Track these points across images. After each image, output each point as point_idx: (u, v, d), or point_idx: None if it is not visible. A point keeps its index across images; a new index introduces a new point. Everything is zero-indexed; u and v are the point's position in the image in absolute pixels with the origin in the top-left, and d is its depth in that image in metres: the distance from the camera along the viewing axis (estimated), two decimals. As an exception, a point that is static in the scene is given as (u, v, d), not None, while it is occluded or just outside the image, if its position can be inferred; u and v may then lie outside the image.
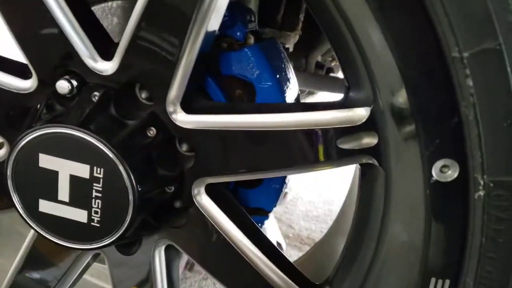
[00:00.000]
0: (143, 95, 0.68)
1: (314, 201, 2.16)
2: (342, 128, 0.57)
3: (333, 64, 1.81)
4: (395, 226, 0.60)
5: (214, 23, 0.63)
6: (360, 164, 0.62)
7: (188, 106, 0.67)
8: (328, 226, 2.07)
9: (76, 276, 0.85)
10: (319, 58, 1.66)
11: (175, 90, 0.64)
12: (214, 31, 0.66)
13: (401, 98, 0.50)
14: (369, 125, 0.56)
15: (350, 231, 0.69)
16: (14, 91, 0.68)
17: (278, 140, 0.62)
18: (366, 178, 0.63)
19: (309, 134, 0.59)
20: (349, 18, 0.49)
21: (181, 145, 0.71)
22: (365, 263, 0.65)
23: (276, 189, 0.85)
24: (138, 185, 0.63)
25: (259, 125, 0.61)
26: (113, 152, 0.61)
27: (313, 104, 0.61)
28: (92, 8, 0.83)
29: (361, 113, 0.56)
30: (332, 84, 1.53)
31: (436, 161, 0.49)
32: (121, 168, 0.62)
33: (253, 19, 0.88)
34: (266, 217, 0.90)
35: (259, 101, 0.79)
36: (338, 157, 0.59)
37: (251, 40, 0.79)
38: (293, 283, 0.70)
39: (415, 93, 0.48)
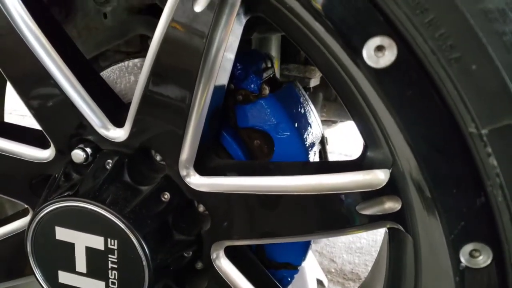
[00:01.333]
0: (158, 157, 0.67)
1: (357, 232, 2.06)
2: (362, 192, 0.52)
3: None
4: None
5: (222, 78, 0.61)
6: (388, 228, 0.56)
7: (202, 167, 0.65)
8: (373, 258, 1.96)
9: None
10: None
11: (187, 152, 0.63)
12: (224, 85, 0.65)
13: (416, 173, 0.44)
14: (391, 189, 0.51)
15: (385, 284, 0.62)
16: (35, 161, 0.70)
17: (293, 204, 0.58)
18: (394, 242, 0.57)
19: (325, 198, 0.55)
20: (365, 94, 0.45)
21: (198, 205, 0.69)
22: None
23: (303, 243, 0.80)
24: (153, 254, 0.62)
25: (271, 189, 0.58)
26: (124, 223, 0.60)
27: (329, 165, 0.56)
28: (111, 68, 0.85)
29: (380, 177, 0.51)
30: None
31: (464, 245, 0.43)
32: (133, 238, 0.60)
33: (269, 65, 0.85)
34: (296, 271, 0.85)
35: (278, 151, 0.76)
36: (360, 224, 0.54)
37: (266, 91, 0.77)
38: None
39: (430, 169, 0.43)
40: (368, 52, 0.40)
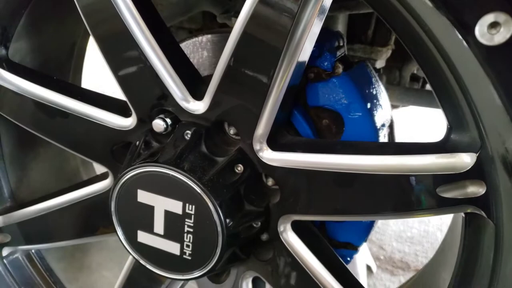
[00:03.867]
0: (231, 131, 0.70)
1: (408, 221, 2.01)
2: (443, 175, 0.52)
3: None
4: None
5: (305, 54, 0.61)
6: (465, 213, 0.55)
7: (274, 143, 0.67)
8: (424, 248, 1.91)
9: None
10: (414, 70, 1.55)
11: (262, 128, 0.64)
12: (304, 62, 0.65)
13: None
14: (475, 173, 0.50)
15: (455, 271, 0.62)
16: (117, 128, 0.75)
17: (368, 184, 0.58)
18: (471, 228, 0.56)
19: (403, 179, 0.55)
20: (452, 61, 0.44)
21: (267, 179, 0.71)
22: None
23: (366, 224, 0.80)
24: (227, 221, 0.65)
25: (347, 167, 0.58)
26: (203, 190, 0.63)
27: (409, 146, 0.56)
28: (185, 43, 0.87)
29: (465, 160, 0.50)
30: (429, 99, 1.41)
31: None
32: (210, 204, 0.64)
33: (341, 44, 0.84)
34: (355, 251, 0.86)
35: (348, 132, 0.76)
36: (438, 206, 0.53)
37: (340, 69, 0.76)
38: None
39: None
40: (481, 29, 0.39)
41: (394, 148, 0.58)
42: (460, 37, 0.40)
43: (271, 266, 0.75)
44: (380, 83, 0.87)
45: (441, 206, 0.53)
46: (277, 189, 0.70)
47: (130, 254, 0.73)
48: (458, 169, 0.50)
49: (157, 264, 0.72)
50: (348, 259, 0.86)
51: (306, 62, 0.65)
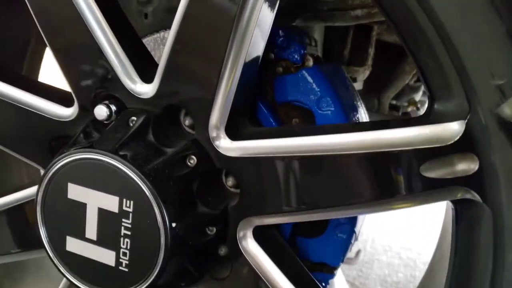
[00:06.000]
0: (187, 122, 0.61)
1: (394, 264, 1.88)
2: (427, 149, 0.43)
3: (409, 109, 1.65)
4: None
5: (257, 42, 0.55)
6: (454, 202, 0.46)
7: (234, 132, 0.58)
8: (412, 294, 1.77)
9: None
10: (394, 102, 1.52)
11: (218, 112, 0.56)
12: (258, 50, 0.58)
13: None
14: (465, 145, 0.41)
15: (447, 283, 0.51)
16: (56, 119, 0.65)
17: (339, 168, 0.48)
18: (463, 221, 0.46)
19: (380, 158, 0.46)
20: None
21: (226, 178, 0.61)
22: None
23: (342, 240, 0.70)
24: (172, 222, 0.54)
25: (314, 148, 0.49)
26: (143, 181, 0.53)
27: (385, 122, 0.47)
28: (145, 39, 0.81)
29: (452, 128, 0.41)
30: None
31: None
32: (152, 200, 0.53)
33: (313, 43, 0.79)
34: (331, 275, 0.74)
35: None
36: (422, 190, 0.44)
37: (310, 62, 0.70)
38: None
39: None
40: None
41: (370, 125, 0.50)
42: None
43: (229, 285, 0.62)
44: (354, 87, 0.80)
45: (425, 189, 0.44)
46: (236, 191, 0.60)
47: (57, 268, 0.60)
48: (444, 140, 0.42)
49: (88, 280, 0.59)
50: (323, 284, 0.74)
51: (262, 48, 0.58)
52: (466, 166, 0.42)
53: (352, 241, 0.72)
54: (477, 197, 0.42)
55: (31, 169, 0.87)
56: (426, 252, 1.94)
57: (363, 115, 0.77)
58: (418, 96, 1.57)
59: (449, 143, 0.42)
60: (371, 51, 1.15)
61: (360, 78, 1.18)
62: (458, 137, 0.41)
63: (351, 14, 0.94)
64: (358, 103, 0.78)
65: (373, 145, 0.45)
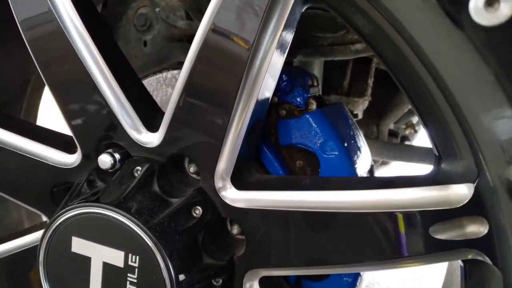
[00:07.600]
0: (191, 169, 0.60)
1: (394, 288, 1.86)
2: (436, 211, 0.43)
3: (407, 132, 1.66)
4: None
5: (267, 87, 0.55)
6: (464, 262, 0.46)
7: (240, 182, 0.57)
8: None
9: None
10: (392, 126, 1.53)
11: (224, 162, 0.55)
12: (268, 98, 0.58)
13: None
14: (474, 208, 0.41)
15: None
16: (59, 166, 0.64)
17: (348, 225, 0.48)
18: (472, 279, 0.46)
19: (389, 218, 0.45)
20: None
21: (232, 227, 0.60)
22: None
23: (348, 283, 0.69)
24: (179, 277, 0.53)
25: (323, 205, 0.49)
26: (149, 236, 0.52)
27: (392, 180, 0.47)
28: (148, 79, 0.81)
29: (460, 192, 0.41)
30: (408, 154, 1.36)
31: None
32: (157, 255, 0.52)
33: (315, 84, 0.79)
34: (337, 317, 0.73)
35: (323, 173, 0.67)
36: (431, 251, 0.44)
37: (313, 105, 0.70)
38: None
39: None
40: (475, 6, 0.32)
41: (378, 182, 0.50)
42: (450, 21, 0.33)
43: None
44: (356, 125, 0.80)
45: (435, 250, 0.43)
46: (243, 239, 0.59)
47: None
48: (453, 203, 0.41)
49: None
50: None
51: (270, 97, 0.58)
52: (476, 228, 0.42)
53: (358, 284, 0.72)
54: (487, 260, 0.42)
55: (30, 211, 0.85)
56: (428, 277, 1.91)
57: (364, 151, 0.77)
58: (415, 119, 1.59)
59: (458, 206, 0.42)
60: (371, 81, 1.16)
61: (360, 108, 1.18)
62: (467, 201, 0.41)
63: (351, 48, 0.95)
64: (360, 139, 0.78)
65: (380, 206, 0.45)
